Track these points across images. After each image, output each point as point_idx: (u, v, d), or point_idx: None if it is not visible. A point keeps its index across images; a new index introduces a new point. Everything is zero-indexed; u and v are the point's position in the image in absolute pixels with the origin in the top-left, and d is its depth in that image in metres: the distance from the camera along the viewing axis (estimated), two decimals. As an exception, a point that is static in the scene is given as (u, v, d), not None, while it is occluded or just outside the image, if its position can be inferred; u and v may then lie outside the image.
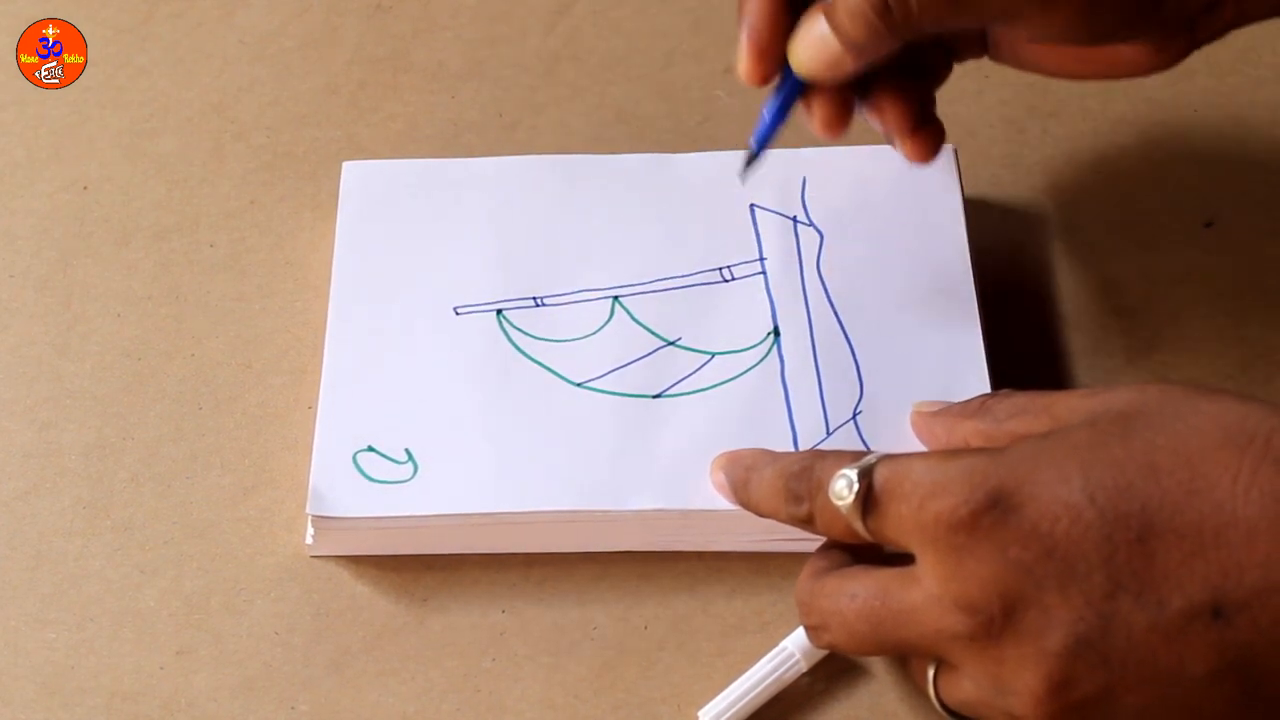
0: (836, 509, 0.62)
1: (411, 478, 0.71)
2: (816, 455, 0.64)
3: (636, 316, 0.76)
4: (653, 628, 0.70)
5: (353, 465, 0.71)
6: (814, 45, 0.69)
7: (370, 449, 0.72)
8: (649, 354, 0.75)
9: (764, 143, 0.73)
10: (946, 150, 0.77)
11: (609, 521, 0.70)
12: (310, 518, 0.70)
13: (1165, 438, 0.57)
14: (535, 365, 0.74)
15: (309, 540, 0.71)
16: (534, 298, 0.76)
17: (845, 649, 0.64)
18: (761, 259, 0.77)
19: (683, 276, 0.77)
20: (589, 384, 0.74)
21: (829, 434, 0.72)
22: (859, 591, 0.61)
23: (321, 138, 0.84)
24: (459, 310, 0.76)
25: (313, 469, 0.71)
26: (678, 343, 0.75)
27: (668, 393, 0.73)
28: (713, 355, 0.74)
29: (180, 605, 0.71)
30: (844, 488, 0.61)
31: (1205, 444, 0.56)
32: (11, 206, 0.82)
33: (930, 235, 0.76)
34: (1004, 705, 0.59)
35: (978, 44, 0.74)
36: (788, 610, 0.69)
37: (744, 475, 0.67)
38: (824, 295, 0.76)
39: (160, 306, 0.79)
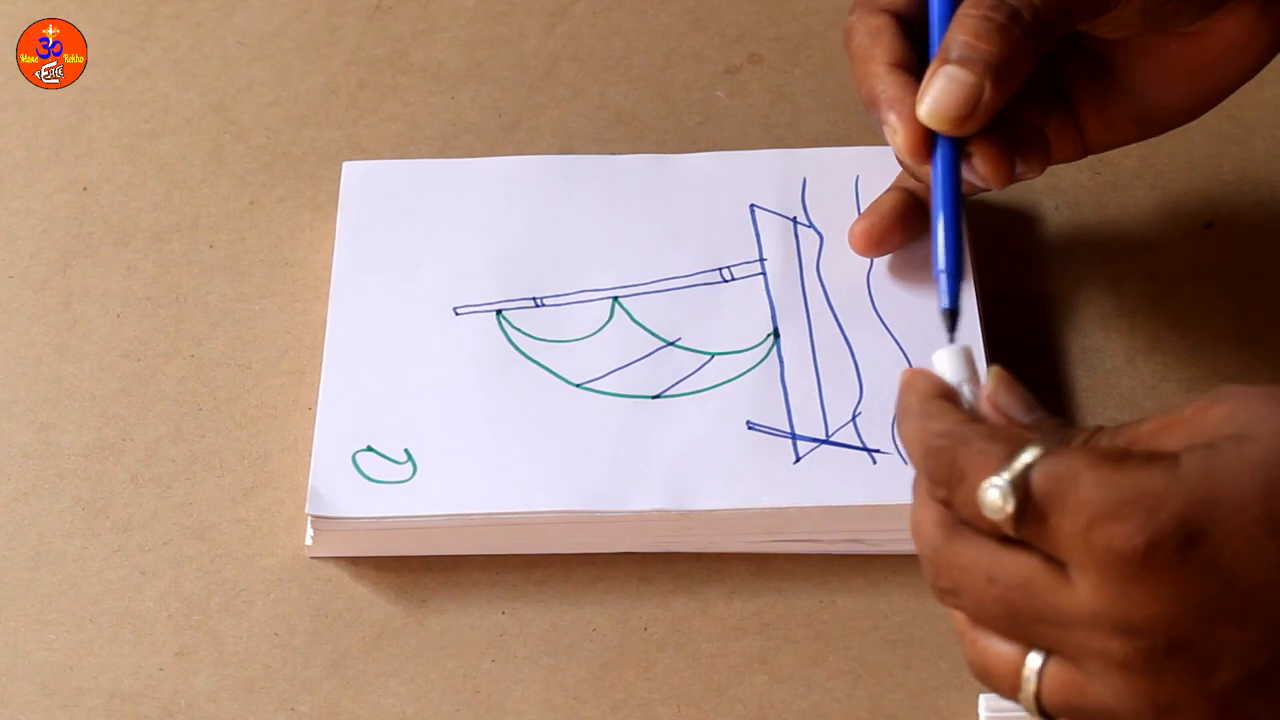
0: (982, 514, 0.56)
1: (411, 478, 0.71)
2: (959, 438, 0.57)
3: (636, 317, 0.75)
4: (652, 629, 0.70)
5: (352, 465, 0.71)
6: (944, 89, 0.67)
7: (370, 449, 0.72)
8: (649, 354, 0.74)
9: (953, 250, 0.68)
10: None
11: (609, 522, 0.70)
12: (310, 518, 0.70)
13: None
14: (535, 365, 0.74)
15: (308, 541, 0.71)
16: (534, 298, 0.76)
17: (970, 618, 0.59)
18: (761, 260, 0.77)
19: (683, 277, 0.77)
20: (589, 384, 0.74)
21: (828, 436, 0.72)
22: (1000, 578, 0.56)
23: (321, 138, 0.84)
24: (459, 310, 0.76)
25: (312, 469, 0.71)
26: (677, 343, 0.75)
27: (667, 393, 0.73)
28: (712, 356, 0.74)
29: (180, 606, 0.70)
30: (997, 498, 0.55)
31: None
32: (11, 206, 0.82)
33: (930, 236, 0.76)
34: None
35: (1074, 141, 0.73)
36: (788, 611, 0.69)
37: (902, 400, 0.60)
38: (824, 297, 0.76)
39: (160, 307, 0.79)
